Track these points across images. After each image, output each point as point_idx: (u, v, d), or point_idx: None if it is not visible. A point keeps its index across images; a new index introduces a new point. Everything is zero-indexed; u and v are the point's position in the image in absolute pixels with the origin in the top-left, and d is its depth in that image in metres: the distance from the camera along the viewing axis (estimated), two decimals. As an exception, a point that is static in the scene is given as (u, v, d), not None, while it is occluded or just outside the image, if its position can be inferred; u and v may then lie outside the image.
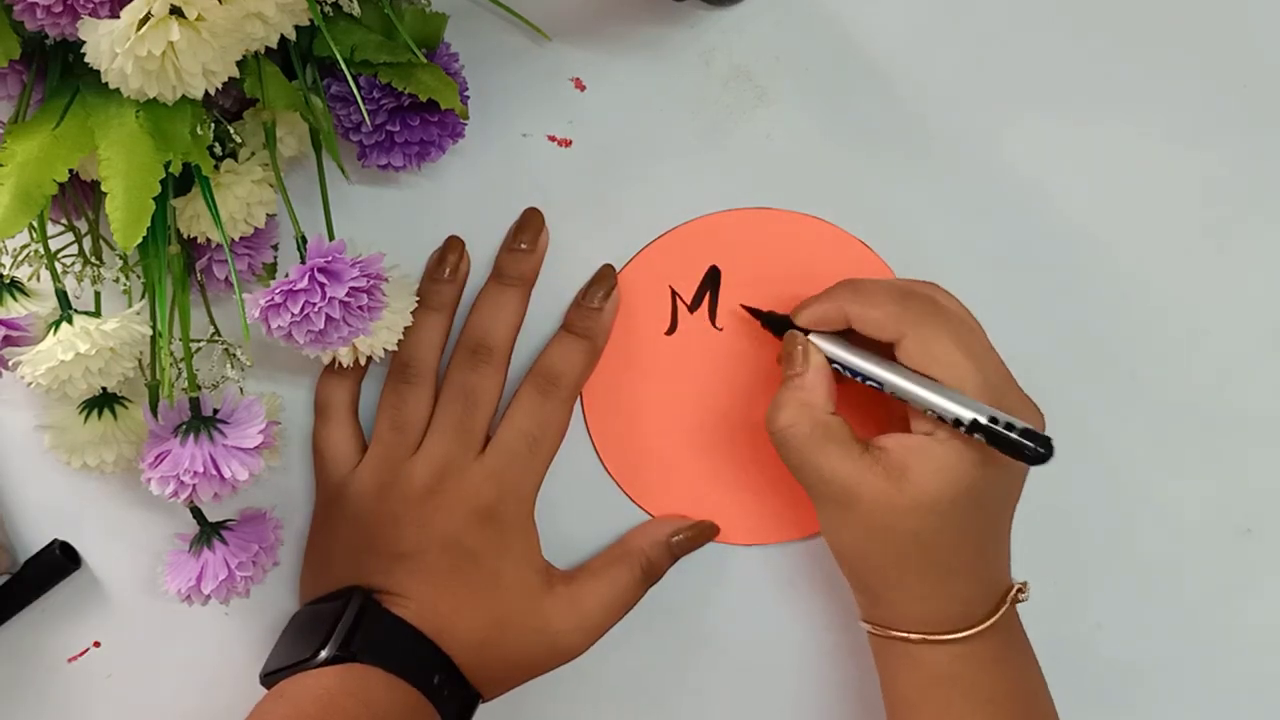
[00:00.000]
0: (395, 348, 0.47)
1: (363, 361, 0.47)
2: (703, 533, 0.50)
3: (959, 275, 0.50)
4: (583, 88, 0.51)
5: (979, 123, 0.51)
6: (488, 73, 0.50)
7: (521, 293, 0.50)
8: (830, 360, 0.46)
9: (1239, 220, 0.51)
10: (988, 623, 0.44)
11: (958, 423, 0.42)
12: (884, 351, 0.45)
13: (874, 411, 0.48)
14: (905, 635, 0.45)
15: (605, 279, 0.50)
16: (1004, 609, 0.45)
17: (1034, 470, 0.43)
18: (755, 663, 0.52)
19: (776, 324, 0.48)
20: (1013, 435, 0.41)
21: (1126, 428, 0.51)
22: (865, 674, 0.51)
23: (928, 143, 0.51)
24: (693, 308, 0.51)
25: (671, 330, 0.51)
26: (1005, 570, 0.46)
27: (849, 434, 0.45)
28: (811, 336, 0.46)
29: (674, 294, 0.51)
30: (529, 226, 0.50)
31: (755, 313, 0.49)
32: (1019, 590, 0.46)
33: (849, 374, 0.46)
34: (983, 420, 0.41)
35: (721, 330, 0.51)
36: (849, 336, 0.46)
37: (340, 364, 0.47)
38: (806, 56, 0.51)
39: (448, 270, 0.50)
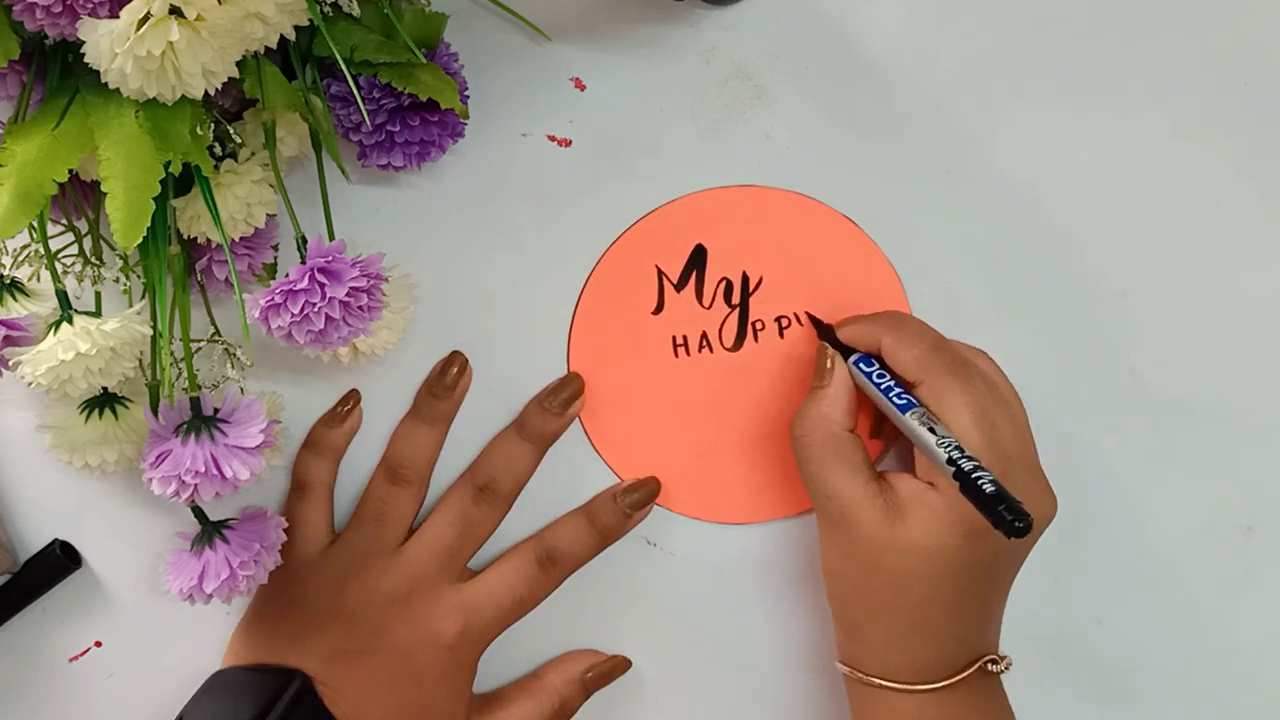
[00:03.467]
0: (394, 347, 0.47)
1: (362, 361, 0.47)
2: (616, 667, 0.51)
3: (959, 273, 0.51)
4: (583, 87, 0.51)
5: (978, 121, 0.51)
6: (488, 73, 0.51)
7: (535, 448, 0.50)
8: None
9: (1239, 220, 0.50)
10: (944, 682, 0.43)
11: (951, 464, 0.40)
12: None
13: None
14: (877, 682, 0.45)
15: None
16: (967, 673, 0.44)
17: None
18: (751, 661, 0.52)
19: (822, 330, 0.49)
20: (987, 491, 0.38)
21: (1127, 427, 0.51)
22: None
23: (927, 141, 0.51)
24: (679, 286, 0.51)
25: (659, 310, 0.51)
26: (987, 638, 0.46)
27: (861, 457, 0.45)
28: (851, 358, 0.47)
29: (660, 273, 0.51)
30: (567, 386, 0.50)
31: (814, 320, 0.50)
32: (991, 660, 0.44)
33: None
34: (965, 469, 0.39)
35: (709, 309, 0.51)
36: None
37: (320, 442, 0.49)
38: (806, 56, 0.51)
39: (448, 384, 0.50)
